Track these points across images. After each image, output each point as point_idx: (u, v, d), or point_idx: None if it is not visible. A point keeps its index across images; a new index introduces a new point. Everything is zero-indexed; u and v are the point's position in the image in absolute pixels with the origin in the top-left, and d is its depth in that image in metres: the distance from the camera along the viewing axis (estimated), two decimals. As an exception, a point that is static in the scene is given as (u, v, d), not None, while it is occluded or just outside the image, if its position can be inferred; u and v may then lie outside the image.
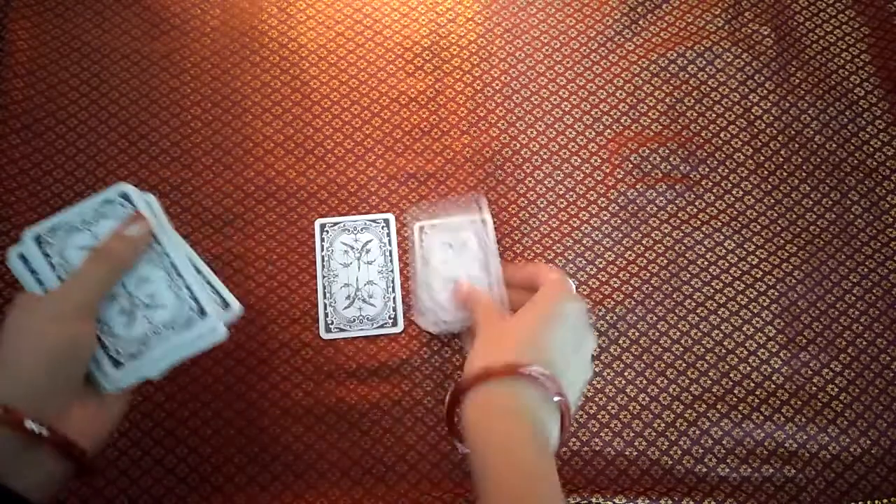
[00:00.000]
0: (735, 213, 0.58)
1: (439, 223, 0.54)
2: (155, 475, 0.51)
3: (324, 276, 0.56)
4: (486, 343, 0.43)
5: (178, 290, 0.42)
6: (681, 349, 0.54)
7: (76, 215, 0.43)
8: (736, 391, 0.53)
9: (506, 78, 0.62)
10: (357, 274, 0.56)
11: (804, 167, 0.59)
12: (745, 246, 0.57)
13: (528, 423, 0.38)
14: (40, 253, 0.42)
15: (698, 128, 0.60)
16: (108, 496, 0.50)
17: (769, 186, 0.59)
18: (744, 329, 0.55)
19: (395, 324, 0.55)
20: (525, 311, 0.43)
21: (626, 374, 0.54)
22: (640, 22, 0.63)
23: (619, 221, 0.58)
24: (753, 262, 0.57)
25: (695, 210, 0.58)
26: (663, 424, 0.53)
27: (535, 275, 0.46)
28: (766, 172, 0.59)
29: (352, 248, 0.56)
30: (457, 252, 0.53)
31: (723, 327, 0.55)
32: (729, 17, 0.63)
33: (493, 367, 0.39)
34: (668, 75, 0.62)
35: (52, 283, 0.41)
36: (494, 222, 0.57)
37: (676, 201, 0.58)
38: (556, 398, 0.39)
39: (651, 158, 0.59)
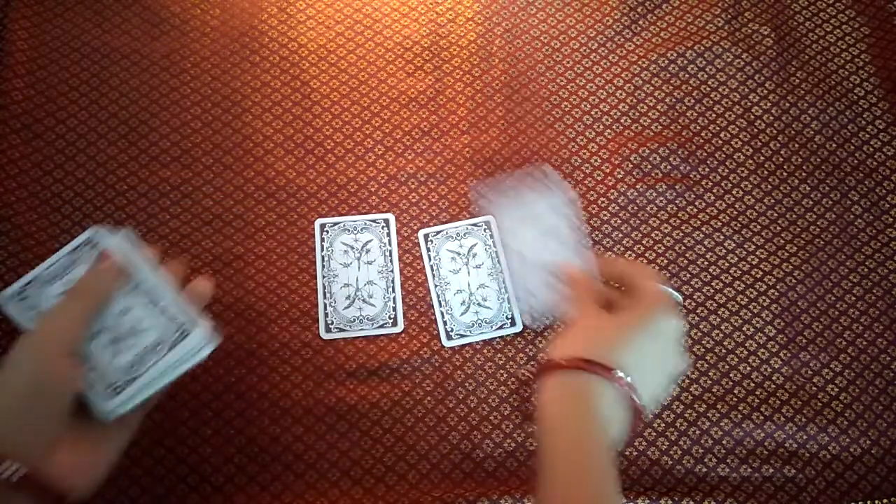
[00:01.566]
0: (735, 213, 0.58)
1: (524, 213, 0.55)
2: (155, 475, 0.51)
3: (324, 276, 0.56)
4: (583, 332, 0.43)
5: (160, 313, 0.42)
6: (681, 349, 0.55)
7: (47, 270, 0.45)
8: (736, 391, 0.53)
9: (506, 78, 0.62)
10: (357, 274, 0.56)
11: (804, 167, 0.59)
12: (745, 246, 0.57)
13: (598, 417, 0.39)
14: (23, 307, 0.43)
15: (698, 128, 0.60)
16: (109, 496, 0.50)
17: (769, 186, 0.59)
18: (744, 329, 0.55)
19: (395, 324, 0.55)
20: (626, 313, 0.43)
21: (626, 374, 0.54)
22: (640, 22, 0.63)
23: (619, 221, 0.58)
24: (753, 262, 0.57)
25: (695, 210, 0.58)
26: (663, 424, 0.53)
27: (633, 276, 0.46)
28: (766, 172, 0.59)
29: (352, 248, 0.56)
30: (545, 237, 0.53)
31: (723, 327, 0.55)
32: (729, 17, 0.63)
33: (584, 358, 0.40)
34: (668, 75, 0.62)
35: None
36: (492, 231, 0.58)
37: (676, 201, 0.58)
38: (631, 404, 0.40)
39: (651, 158, 0.59)
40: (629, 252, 0.57)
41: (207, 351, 0.42)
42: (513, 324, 0.54)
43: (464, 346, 0.54)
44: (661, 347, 0.43)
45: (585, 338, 0.42)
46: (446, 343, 0.54)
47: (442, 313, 0.55)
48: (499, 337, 0.54)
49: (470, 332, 0.54)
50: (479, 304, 0.55)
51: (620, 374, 0.40)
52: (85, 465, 0.39)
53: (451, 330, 0.54)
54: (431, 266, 0.56)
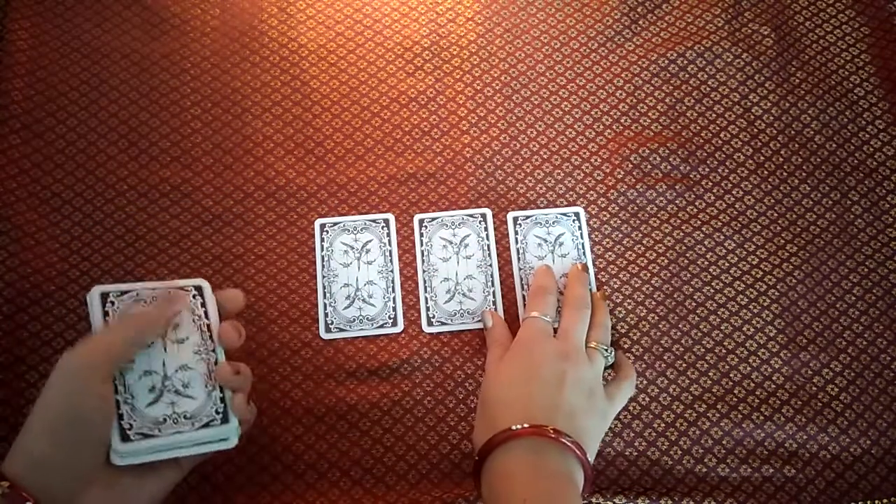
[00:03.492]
0: (735, 213, 0.58)
1: (534, 213, 0.56)
2: (155, 475, 0.51)
3: (324, 276, 0.56)
4: (518, 392, 0.45)
5: (210, 389, 0.42)
6: (681, 349, 0.54)
7: (147, 290, 0.44)
8: (736, 391, 0.53)
9: (506, 78, 0.62)
10: (357, 274, 0.56)
11: (804, 167, 0.59)
12: (745, 246, 0.57)
13: (565, 482, 0.41)
14: (101, 308, 0.42)
15: (698, 128, 0.60)
16: (108, 496, 0.50)
17: (769, 186, 0.59)
18: (744, 329, 0.55)
19: (395, 324, 0.55)
20: (520, 365, 0.47)
21: (626, 374, 0.54)
22: (640, 22, 0.63)
23: (619, 221, 0.58)
24: (753, 262, 0.57)
25: (695, 210, 0.58)
26: (663, 425, 0.53)
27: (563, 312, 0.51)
28: (766, 172, 0.59)
29: (352, 248, 0.56)
30: (552, 249, 0.55)
31: (723, 327, 0.55)
32: (729, 17, 0.63)
33: (537, 425, 0.42)
34: (668, 75, 0.62)
35: None
36: (494, 223, 0.58)
37: (676, 201, 0.58)
38: (576, 456, 0.42)
39: (651, 158, 0.59)
40: (629, 252, 0.57)
41: (226, 447, 0.42)
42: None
43: (448, 337, 0.54)
44: (581, 389, 0.45)
45: (511, 405, 0.44)
46: (426, 329, 0.54)
47: (426, 299, 0.55)
48: (480, 329, 0.54)
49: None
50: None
51: (559, 430, 0.42)
52: None
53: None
54: (422, 251, 0.56)
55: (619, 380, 0.50)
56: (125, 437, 0.38)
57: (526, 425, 0.42)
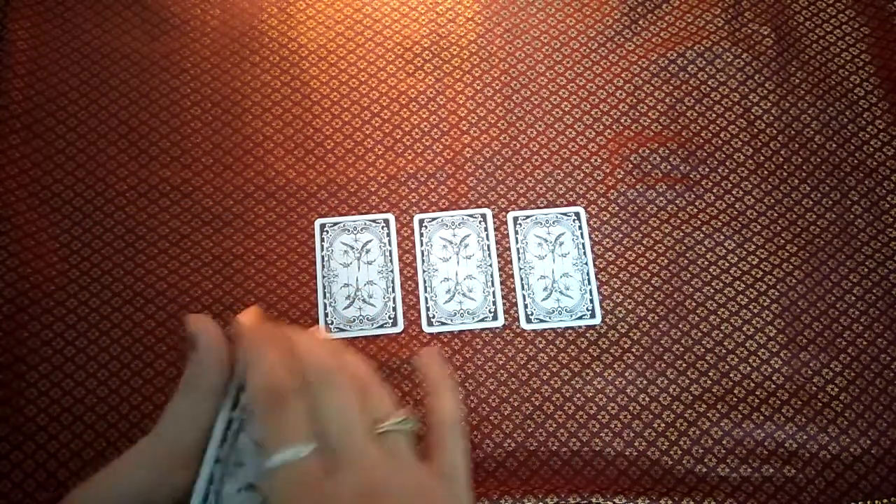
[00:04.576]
0: (735, 213, 0.58)
1: (534, 213, 0.56)
2: (155, 475, 0.51)
3: (324, 276, 0.56)
4: None
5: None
6: (681, 349, 0.54)
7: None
8: (736, 391, 0.53)
9: (506, 78, 0.62)
10: (357, 274, 0.56)
11: (804, 167, 0.59)
12: (745, 246, 0.57)
13: None
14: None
15: (698, 128, 0.60)
16: (108, 496, 0.50)
17: (769, 186, 0.59)
18: (744, 329, 0.55)
19: (394, 324, 0.55)
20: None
21: (626, 374, 0.54)
22: (640, 22, 0.63)
23: (619, 221, 0.58)
24: (753, 262, 0.57)
25: (695, 210, 0.58)
26: (663, 425, 0.53)
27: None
28: (766, 172, 0.59)
29: (352, 248, 0.56)
30: (552, 249, 0.55)
31: (723, 327, 0.55)
32: (729, 17, 0.63)
33: None
34: (668, 75, 0.62)
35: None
36: (494, 223, 0.58)
37: (676, 201, 0.58)
38: None
39: (651, 158, 0.59)
40: (629, 252, 0.57)
41: None
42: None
43: (449, 337, 0.54)
44: None
45: None
46: (426, 329, 0.54)
47: (426, 299, 0.55)
48: (480, 329, 0.54)
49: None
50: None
51: None
52: None
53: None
54: (422, 251, 0.56)
55: (440, 439, 0.32)
56: None
57: None
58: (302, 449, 0.27)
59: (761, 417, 0.53)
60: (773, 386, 0.54)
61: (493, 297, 0.55)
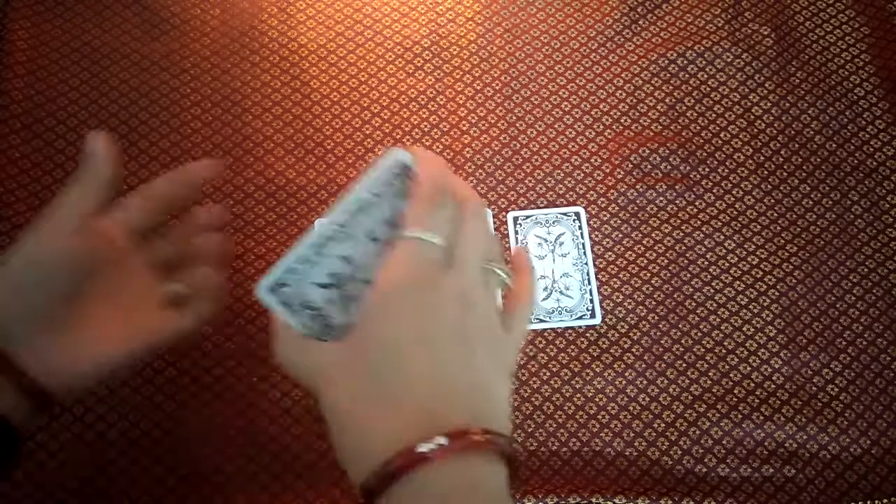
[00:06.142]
0: (735, 213, 0.58)
1: (534, 213, 0.56)
2: (155, 475, 0.51)
3: (324, 276, 0.56)
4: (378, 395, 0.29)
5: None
6: (681, 349, 0.54)
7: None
8: (736, 391, 0.53)
9: (506, 78, 0.62)
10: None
11: (804, 167, 0.59)
12: (745, 246, 0.57)
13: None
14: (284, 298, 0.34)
15: (698, 128, 0.60)
16: (109, 496, 0.50)
17: (769, 186, 0.59)
18: (744, 329, 0.55)
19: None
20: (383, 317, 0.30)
21: (626, 374, 0.54)
22: (640, 22, 0.63)
23: (619, 221, 0.58)
24: (753, 262, 0.57)
25: (695, 210, 0.58)
26: (663, 425, 0.53)
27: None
28: (766, 172, 0.59)
29: (352, 248, 0.56)
30: (552, 248, 0.55)
31: (723, 327, 0.55)
32: (729, 17, 0.63)
33: (430, 450, 0.26)
34: (668, 75, 0.62)
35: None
36: (494, 223, 0.58)
37: (676, 201, 0.58)
38: (504, 454, 0.29)
39: (651, 158, 0.59)
40: (629, 252, 0.57)
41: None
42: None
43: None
44: (494, 355, 0.31)
45: (427, 391, 0.28)
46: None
47: None
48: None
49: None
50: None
51: (499, 438, 0.28)
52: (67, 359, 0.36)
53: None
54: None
55: (517, 305, 0.35)
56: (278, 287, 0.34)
57: (442, 441, 0.26)
58: (437, 238, 0.32)
59: (761, 417, 0.53)
60: (773, 386, 0.54)
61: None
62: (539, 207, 0.58)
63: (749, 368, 0.54)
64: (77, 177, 0.40)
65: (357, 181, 0.35)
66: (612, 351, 0.54)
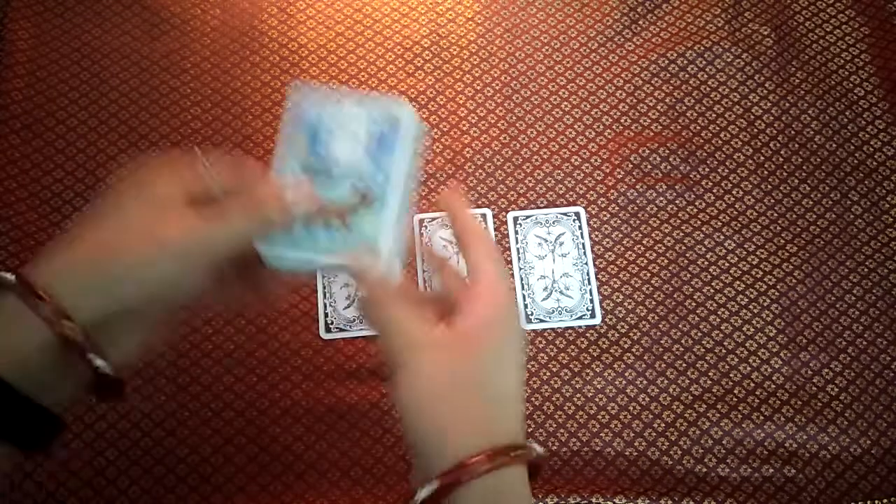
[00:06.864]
0: (735, 213, 0.58)
1: (534, 213, 0.57)
2: (155, 475, 0.51)
3: (324, 276, 0.56)
4: (444, 392, 0.32)
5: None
6: (681, 349, 0.54)
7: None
8: (736, 391, 0.53)
9: (506, 78, 0.62)
10: (357, 274, 0.56)
11: (804, 167, 0.59)
12: (745, 246, 0.57)
13: None
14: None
15: (698, 128, 0.60)
16: (109, 496, 0.50)
17: (769, 186, 0.59)
18: (744, 329, 0.55)
19: (395, 324, 0.55)
20: (474, 340, 0.32)
21: (626, 374, 0.54)
22: (640, 22, 0.63)
23: (619, 221, 0.58)
24: (753, 262, 0.57)
25: (695, 210, 0.58)
26: (663, 425, 0.53)
27: (467, 247, 0.35)
28: (766, 172, 0.59)
29: (352, 248, 0.56)
30: (552, 248, 0.55)
31: (723, 327, 0.55)
32: (729, 17, 0.63)
33: (474, 460, 0.30)
34: (668, 75, 0.62)
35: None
36: (494, 223, 0.58)
37: (676, 201, 0.58)
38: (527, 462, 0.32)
39: (651, 158, 0.59)
40: (629, 252, 0.57)
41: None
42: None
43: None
44: (515, 375, 0.33)
45: (484, 414, 0.31)
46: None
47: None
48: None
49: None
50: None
51: (526, 452, 0.31)
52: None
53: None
54: (422, 252, 0.56)
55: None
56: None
57: (482, 453, 0.30)
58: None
59: (761, 417, 0.53)
60: (773, 386, 0.54)
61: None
62: (539, 207, 0.58)
63: (749, 368, 0.54)
64: (247, 221, 0.34)
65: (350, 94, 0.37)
66: (612, 351, 0.54)
